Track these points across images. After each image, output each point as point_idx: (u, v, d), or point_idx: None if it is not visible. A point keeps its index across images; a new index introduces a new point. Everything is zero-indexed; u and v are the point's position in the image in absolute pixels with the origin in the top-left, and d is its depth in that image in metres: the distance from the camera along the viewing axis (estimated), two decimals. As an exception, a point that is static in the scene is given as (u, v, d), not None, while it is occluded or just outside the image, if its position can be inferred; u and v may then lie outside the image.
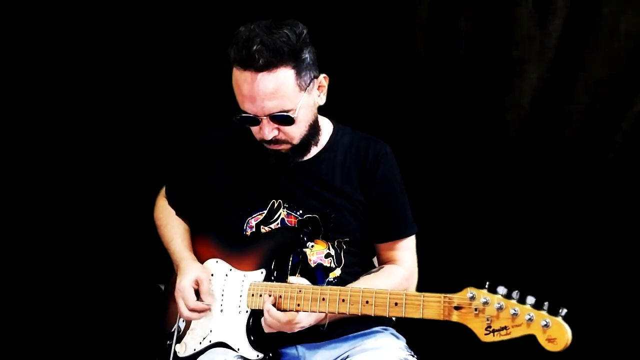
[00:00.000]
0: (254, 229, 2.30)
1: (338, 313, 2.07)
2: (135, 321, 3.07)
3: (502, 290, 1.76)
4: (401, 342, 2.24)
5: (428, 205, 2.87)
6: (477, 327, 1.76)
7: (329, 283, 2.33)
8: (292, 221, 2.36)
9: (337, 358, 2.30)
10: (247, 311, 2.27)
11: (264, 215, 2.37)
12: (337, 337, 2.33)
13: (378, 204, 2.36)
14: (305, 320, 2.19)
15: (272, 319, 2.16)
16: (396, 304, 1.93)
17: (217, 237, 2.46)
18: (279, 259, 2.30)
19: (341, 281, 2.34)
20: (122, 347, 3.12)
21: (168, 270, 2.56)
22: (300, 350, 2.21)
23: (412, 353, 2.25)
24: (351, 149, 2.24)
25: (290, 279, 2.21)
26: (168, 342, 2.42)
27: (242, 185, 2.27)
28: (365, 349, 2.27)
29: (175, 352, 2.35)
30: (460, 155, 2.97)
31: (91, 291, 3.23)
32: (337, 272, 2.36)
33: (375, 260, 2.49)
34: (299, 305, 2.13)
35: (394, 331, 2.40)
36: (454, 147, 2.98)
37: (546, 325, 1.57)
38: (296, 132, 2.10)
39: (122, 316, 3.16)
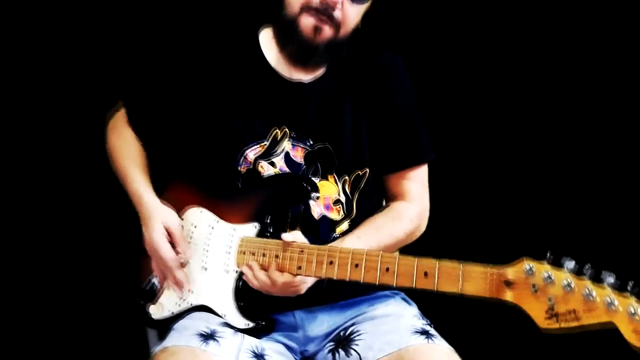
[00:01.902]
0: (251, 165, 1.84)
1: (349, 280, 1.63)
2: (107, 274, 2.62)
3: (569, 263, 1.33)
4: (414, 309, 1.83)
5: (462, 157, 2.47)
6: (535, 310, 1.33)
7: (335, 239, 1.87)
8: (298, 155, 1.90)
9: (341, 325, 1.87)
10: (235, 271, 1.82)
11: (265, 147, 1.90)
12: (340, 301, 1.90)
13: (389, 123, 1.91)
14: (310, 280, 1.75)
15: (264, 279, 1.72)
16: (426, 274, 1.50)
17: (201, 180, 1.98)
18: (276, 211, 1.84)
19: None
20: (93, 305, 2.67)
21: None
22: (299, 316, 1.79)
23: (429, 322, 1.83)
24: (360, 60, 1.86)
25: (284, 236, 1.75)
26: (140, 300, 1.95)
27: (237, 107, 1.81)
28: (375, 315, 1.84)
29: (148, 313, 1.89)
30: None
31: (61, 239, 2.75)
32: (345, 226, 1.91)
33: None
34: (299, 268, 1.69)
35: (405, 295, 1.97)
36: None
37: (635, 314, 1.14)
38: (350, 21, 1.78)
39: (92, 270, 2.70)
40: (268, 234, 1.81)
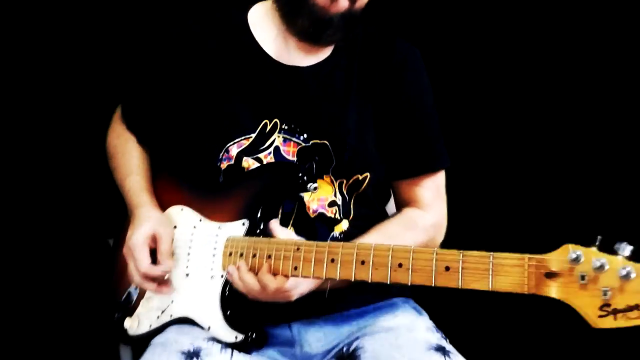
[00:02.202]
0: (232, 161, 1.59)
1: (354, 280, 1.37)
2: (77, 285, 2.33)
3: (625, 249, 1.08)
4: (426, 320, 1.63)
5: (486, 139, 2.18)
6: (586, 306, 1.07)
7: (334, 239, 1.63)
8: (290, 150, 1.64)
9: (344, 340, 1.61)
10: (222, 276, 1.56)
11: (250, 140, 1.64)
12: (343, 311, 1.64)
13: (402, 122, 1.66)
14: (303, 285, 1.49)
15: (251, 282, 1.46)
16: (447, 268, 1.24)
17: (183, 175, 1.74)
18: (268, 206, 1.58)
19: (349, 237, 1.63)
20: (62, 318, 2.37)
21: (120, 219, 1.83)
22: (295, 329, 1.53)
23: (443, 334, 1.57)
24: (371, 46, 1.60)
25: (274, 226, 1.50)
26: (116, 314, 1.70)
27: (221, 95, 1.57)
28: (383, 328, 1.58)
29: (124, 328, 1.65)
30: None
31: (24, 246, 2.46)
32: (344, 225, 1.66)
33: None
34: (296, 268, 1.43)
35: (414, 303, 1.72)
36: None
37: None
38: None
39: (61, 279, 2.39)
40: (258, 232, 1.54)
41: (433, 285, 1.25)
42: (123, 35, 2.39)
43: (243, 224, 1.57)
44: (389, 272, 1.30)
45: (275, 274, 1.44)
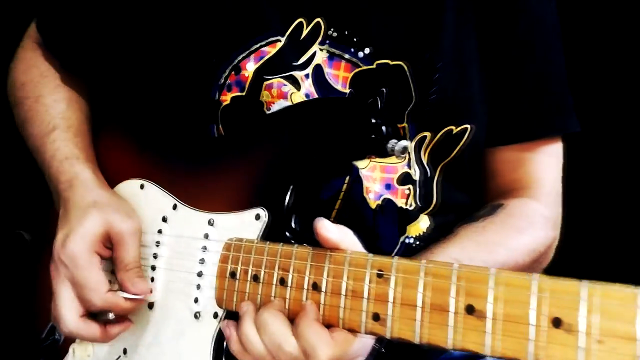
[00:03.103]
0: (243, 88, 0.91)
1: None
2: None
3: None
4: None
5: None
6: None
7: (409, 248, 0.91)
8: (340, 75, 0.90)
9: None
10: (215, 315, 0.77)
11: (276, 48, 0.90)
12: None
13: (519, 58, 0.94)
14: (365, 346, 0.75)
15: (287, 349, 0.69)
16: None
17: (145, 126, 1.00)
18: (304, 184, 0.79)
19: (431, 242, 0.91)
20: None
21: (39, 205, 1.07)
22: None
23: None
24: None
25: (323, 227, 0.71)
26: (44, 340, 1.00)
27: None
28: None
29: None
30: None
31: None
32: (424, 223, 0.92)
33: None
34: (376, 319, 0.68)
35: None
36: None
37: None
38: None
39: None
40: (289, 234, 0.76)
41: None
42: None
43: (258, 216, 0.79)
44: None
45: (330, 326, 0.67)
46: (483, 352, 0.60)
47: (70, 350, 0.95)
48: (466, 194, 0.98)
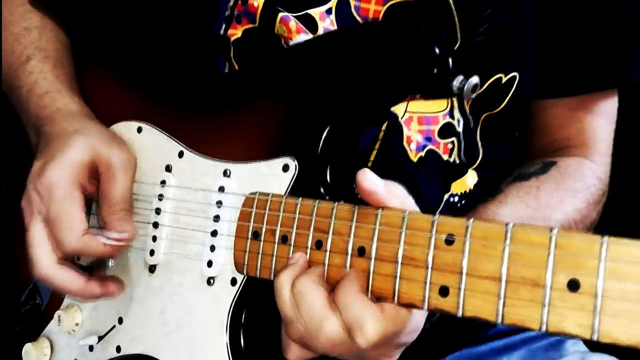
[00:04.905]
0: (254, 20, 0.77)
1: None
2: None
3: None
4: None
5: None
6: None
7: (454, 208, 0.78)
8: (370, 8, 0.75)
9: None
10: (233, 280, 0.64)
11: None
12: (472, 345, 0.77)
13: (580, 5, 0.81)
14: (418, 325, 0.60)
15: (332, 325, 0.56)
16: None
17: (139, 59, 0.84)
18: (340, 129, 0.65)
19: (475, 201, 0.79)
20: None
21: (13, 152, 0.93)
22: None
23: None
24: None
25: (377, 189, 0.56)
26: (11, 324, 0.87)
27: None
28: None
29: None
30: None
31: None
32: (472, 178, 0.79)
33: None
34: (444, 292, 0.55)
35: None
36: None
37: None
38: None
39: None
40: (323, 189, 0.62)
41: None
42: None
43: (286, 167, 0.65)
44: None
45: (380, 297, 0.54)
46: (588, 336, 0.47)
47: (55, 317, 0.81)
48: (509, 149, 0.85)
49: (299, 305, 0.58)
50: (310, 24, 0.75)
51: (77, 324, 0.80)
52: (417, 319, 0.59)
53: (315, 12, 0.75)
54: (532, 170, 0.82)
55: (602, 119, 0.87)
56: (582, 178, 0.83)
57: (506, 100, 0.80)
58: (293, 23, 0.75)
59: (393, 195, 0.59)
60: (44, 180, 0.70)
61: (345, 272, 0.59)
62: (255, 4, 0.76)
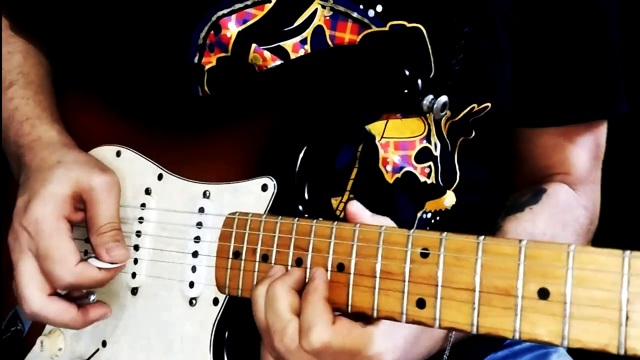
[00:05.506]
0: (226, 49, 0.79)
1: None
2: None
3: None
4: None
5: None
6: None
7: (427, 223, 0.82)
8: (345, 37, 0.77)
9: None
10: (216, 301, 0.66)
11: (264, 10, 0.78)
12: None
13: (563, 34, 0.83)
14: (413, 346, 0.65)
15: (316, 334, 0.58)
16: None
17: (117, 86, 0.87)
18: (317, 143, 0.68)
19: (453, 224, 0.83)
20: None
21: None
22: None
23: None
24: None
25: (355, 208, 0.63)
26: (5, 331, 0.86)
27: None
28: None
29: None
30: None
31: None
32: (450, 199, 0.82)
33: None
34: (420, 303, 0.58)
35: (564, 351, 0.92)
36: None
37: None
38: None
39: None
40: (302, 207, 0.65)
41: None
42: None
43: (265, 186, 0.67)
44: None
45: (355, 313, 0.57)
46: (559, 342, 0.50)
47: (38, 342, 0.82)
48: (486, 172, 0.88)
49: (268, 310, 0.60)
50: (283, 55, 0.77)
51: (60, 349, 0.81)
52: (386, 347, 0.60)
53: (288, 44, 0.77)
54: (524, 200, 0.84)
55: (587, 148, 0.88)
56: (569, 210, 0.85)
57: (479, 129, 0.83)
58: (267, 53, 0.77)
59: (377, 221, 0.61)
60: (30, 216, 0.71)
61: (311, 274, 0.61)
62: (229, 35, 0.77)
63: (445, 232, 0.56)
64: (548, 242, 0.51)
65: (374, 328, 0.58)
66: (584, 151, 0.88)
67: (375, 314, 0.59)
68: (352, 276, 0.60)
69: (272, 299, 0.59)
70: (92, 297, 0.75)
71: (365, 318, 0.59)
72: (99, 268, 0.71)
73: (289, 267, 0.64)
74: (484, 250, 0.54)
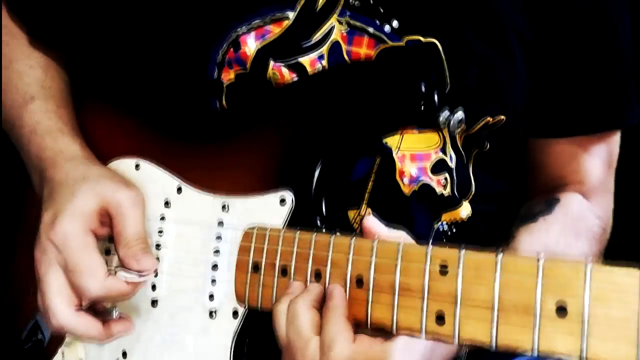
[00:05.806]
0: (245, 66, 0.79)
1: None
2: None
3: None
4: None
5: None
6: None
7: (444, 235, 0.82)
8: (362, 52, 0.77)
9: None
10: (234, 312, 0.67)
11: (284, 25, 0.78)
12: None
13: (577, 47, 0.82)
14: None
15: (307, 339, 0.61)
16: None
17: (135, 99, 0.87)
18: (333, 157, 0.69)
19: (468, 235, 0.82)
20: None
21: (11, 181, 0.94)
22: None
23: None
24: None
25: (371, 223, 0.64)
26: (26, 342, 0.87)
27: None
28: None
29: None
30: None
31: None
32: (466, 210, 0.82)
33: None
34: (439, 319, 0.58)
35: None
36: None
37: None
38: None
39: None
40: (320, 221, 0.66)
41: None
42: None
43: (283, 200, 0.68)
44: None
45: (375, 326, 0.58)
46: (577, 358, 0.51)
47: (59, 353, 0.83)
48: (502, 181, 0.88)
49: (290, 327, 0.61)
50: (300, 71, 0.78)
51: (80, 359, 0.82)
52: (408, 344, 0.61)
53: (306, 59, 0.78)
54: (537, 210, 0.85)
55: (600, 158, 0.89)
56: (583, 219, 0.86)
57: (493, 141, 0.83)
58: (285, 70, 0.78)
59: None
60: (58, 231, 0.73)
61: (329, 292, 0.62)
62: (248, 53, 0.78)
63: (464, 248, 0.57)
64: (564, 260, 0.52)
65: (393, 343, 0.59)
66: (598, 160, 0.89)
67: (394, 330, 0.60)
68: (371, 292, 0.61)
69: (294, 317, 0.61)
70: (115, 313, 0.76)
71: (383, 332, 0.60)
72: (127, 282, 0.73)
73: (308, 282, 0.65)
74: (502, 268, 0.54)
